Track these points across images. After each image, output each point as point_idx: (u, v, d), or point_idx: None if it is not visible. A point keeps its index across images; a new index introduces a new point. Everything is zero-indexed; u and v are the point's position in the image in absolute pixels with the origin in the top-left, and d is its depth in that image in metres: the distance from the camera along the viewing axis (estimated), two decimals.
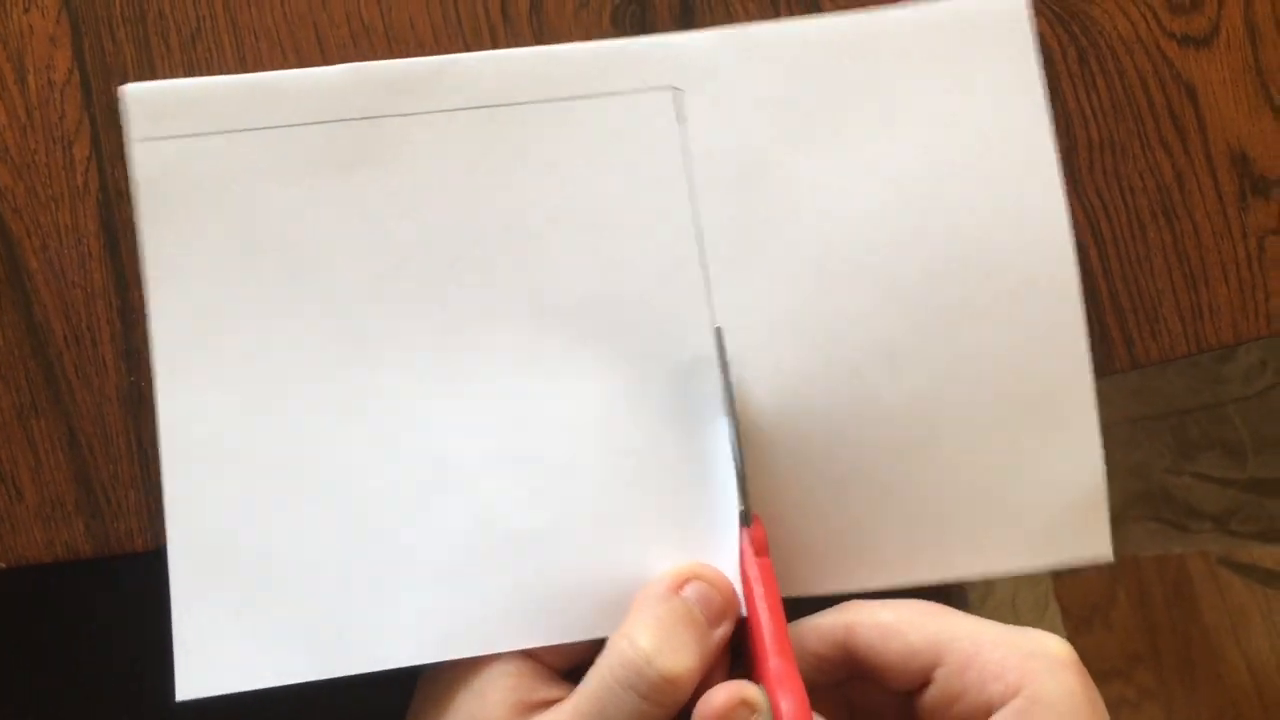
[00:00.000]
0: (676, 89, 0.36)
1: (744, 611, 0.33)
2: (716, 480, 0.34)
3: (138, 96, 0.34)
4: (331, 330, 0.34)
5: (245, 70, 0.35)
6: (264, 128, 0.34)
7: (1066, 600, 1.06)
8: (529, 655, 0.34)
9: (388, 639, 0.33)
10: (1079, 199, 0.37)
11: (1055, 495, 0.35)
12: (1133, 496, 0.79)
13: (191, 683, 0.33)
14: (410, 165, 0.35)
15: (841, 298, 0.35)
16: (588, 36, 0.36)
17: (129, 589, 0.35)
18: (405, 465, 0.34)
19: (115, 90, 0.35)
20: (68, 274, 0.35)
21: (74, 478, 0.35)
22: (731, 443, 0.34)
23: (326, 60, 0.36)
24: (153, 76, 0.35)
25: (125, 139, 0.34)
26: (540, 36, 0.36)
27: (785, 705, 0.30)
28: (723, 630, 0.33)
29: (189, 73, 0.35)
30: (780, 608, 0.32)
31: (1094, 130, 0.37)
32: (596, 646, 0.33)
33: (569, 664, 0.34)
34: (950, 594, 0.36)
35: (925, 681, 0.32)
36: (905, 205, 0.36)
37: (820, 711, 0.31)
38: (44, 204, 0.35)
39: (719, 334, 0.35)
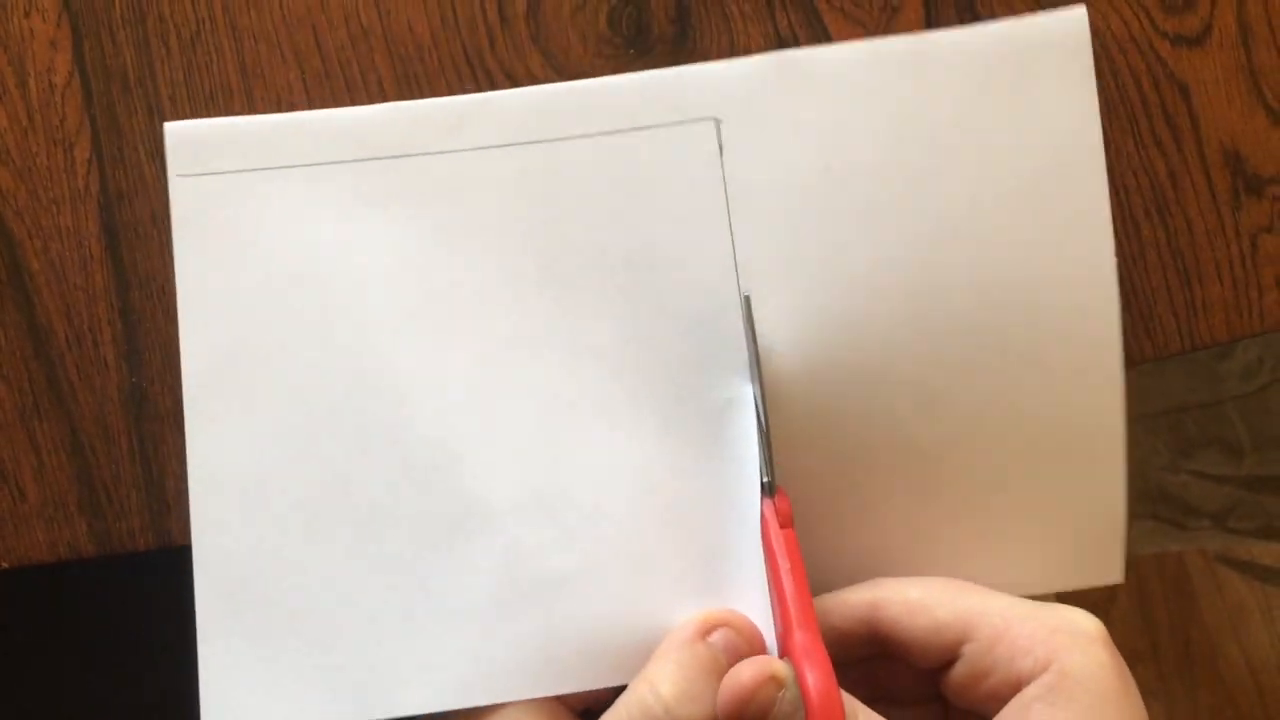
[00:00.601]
0: (718, 120, 0.35)
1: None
2: (749, 526, 0.34)
3: (177, 133, 0.34)
4: (363, 367, 0.34)
5: (244, 73, 0.36)
6: (301, 165, 0.34)
7: (1065, 598, 1.06)
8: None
9: (413, 683, 0.33)
10: None
11: (1075, 532, 0.36)
12: (1130, 494, 0.79)
13: None
14: (445, 202, 0.34)
15: (881, 337, 0.35)
16: (584, 39, 0.37)
17: (130, 589, 0.36)
18: (434, 504, 0.34)
19: (115, 92, 0.35)
20: (69, 276, 0.35)
21: (76, 478, 0.35)
22: (757, 412, 0.34)
23: (325, 62, 0.36)
24: (152, 80, 0.35)
25: (167, 174, 0.34)
26: (537, 39, 0.36)
27: (812, 679, 0.29)
28: None
29: (187, 75, 0.35)
30: (805, 581, 0.32)
31: None
32: (615, 687, 0.32)
33: (585, 704, 0.34)
34: None
35: (951, 659, 0.32)
36: (950, 243, 0.35)
37: (842, 689, 0.31)
38: (45, 206, 0.35)
39: (747, 302, 0.34)
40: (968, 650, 0.31)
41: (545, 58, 0.36)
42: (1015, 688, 0.30)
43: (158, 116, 0.35)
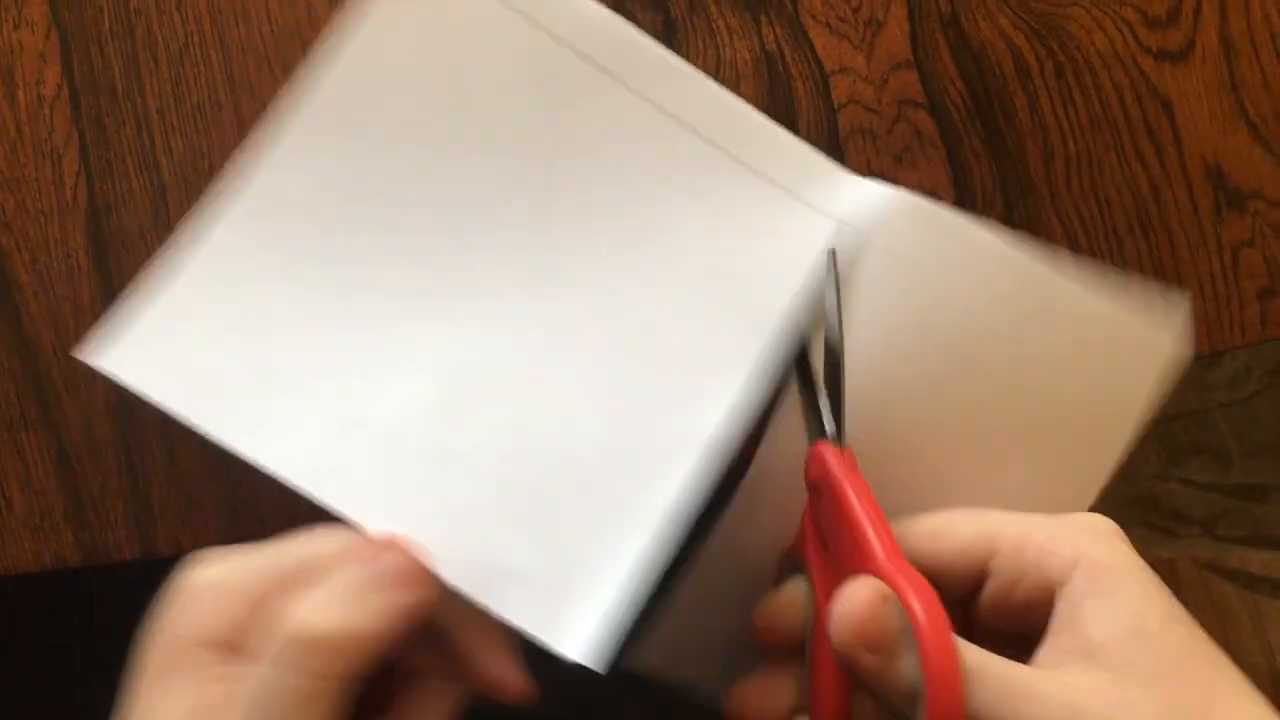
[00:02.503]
0: (843, 223, 0.35)
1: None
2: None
3: None
4: (433, 231, 0.34)
5: (232, 85, 0.36)
6: (513, 11, 0.35)
7: None
8: None
9: (284, 439, 0.32)
10: (1056, 212, 0.37)
11: None
12: (1121, 501, 0.79)
13: (106, 355, 0.32)
14: (584, 123, 0.35)
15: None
16: None
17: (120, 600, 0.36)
18: (452, 377, 0.34)
19: (103, 105, 0.35)
20: (56, 287, 0.35)
21: (62, 488, 0.35)
22: (832, 361, 0.34)
23: None
24: (140, 93, 0.36)
25: None
26: None
27: (917, 600, 0.28)
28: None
29: (175, 87, 0.36)
30: (882, 515, 0.31)
31: (1071, 143, 0.38)
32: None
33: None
34: None
35: (980, 579, 0.32)
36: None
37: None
38: (33, 218, 0.35)
39: (832, 255, 0.34)
40: (994, 564, 0.31)
41: None
42: (1049, 589, 0.30)
43: (145, 129, 0.35)
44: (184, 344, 0.32)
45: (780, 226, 0.35)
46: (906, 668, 0.28)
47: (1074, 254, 0.37)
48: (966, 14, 0.37)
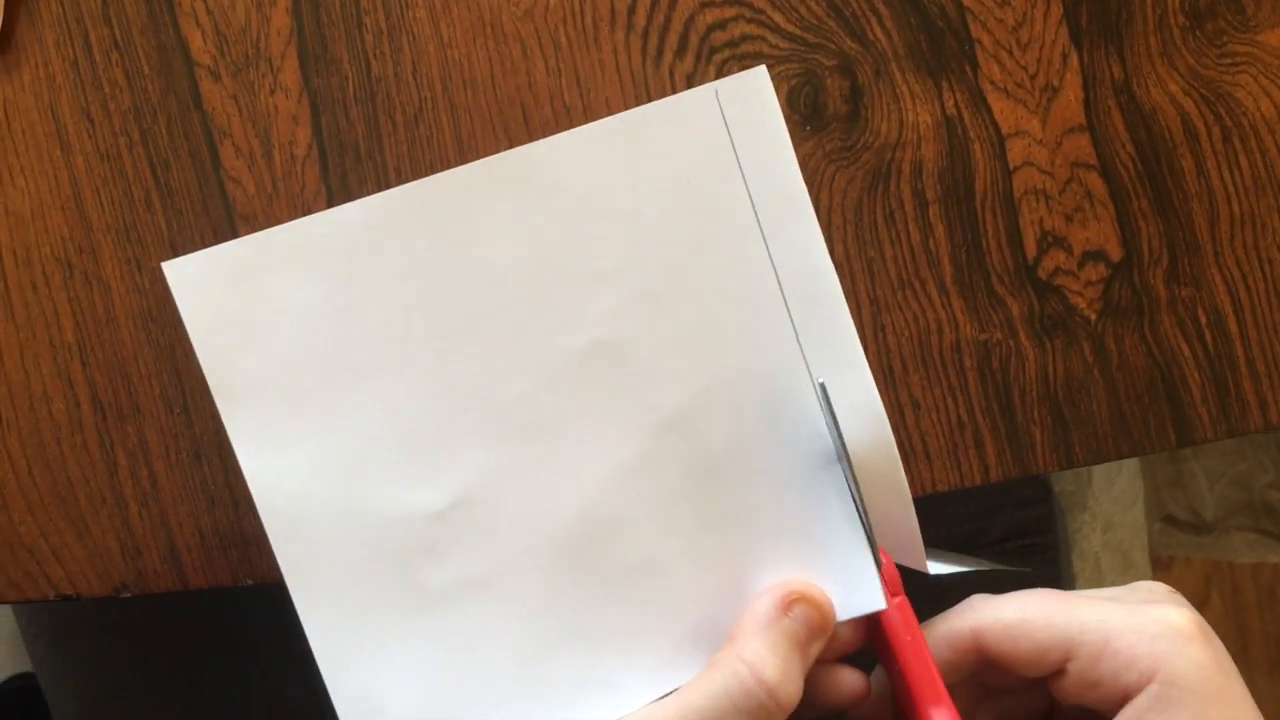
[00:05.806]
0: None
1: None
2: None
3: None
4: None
5: (460, 147, 0.39)
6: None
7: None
8: None
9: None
10: (1220, 269, 0.40)
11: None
12: (1235, 507, 0.80)
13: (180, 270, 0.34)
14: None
15: None
16: None
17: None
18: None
19: (348, 163, 0.39)
20: None
21: None
22: (851, 493, 0.35)
23: (531, 137, 0.39)
24: (380, 153, 0.39)
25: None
26: None
27: None
28: (816, 649, 0.34)
29: (410, 148, 0.39)
30: (926, 650, 0.34)
31: (1236, 204, 0.40)
32: None
33: None
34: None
35: (1059, 671, 0.33)
36: None
37: (955, 695, 0.33)
38: None
39: (823, 389, 0.35)
40: (1072, 667, 0.33)
41: None
42: (1123, 699, 0.32)
43: (384, 186, 0.39)
44: (259, 308, 0.35)
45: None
46: None
47: (1234, 309, 0.40)
48: (1139, 80, 0.40)
